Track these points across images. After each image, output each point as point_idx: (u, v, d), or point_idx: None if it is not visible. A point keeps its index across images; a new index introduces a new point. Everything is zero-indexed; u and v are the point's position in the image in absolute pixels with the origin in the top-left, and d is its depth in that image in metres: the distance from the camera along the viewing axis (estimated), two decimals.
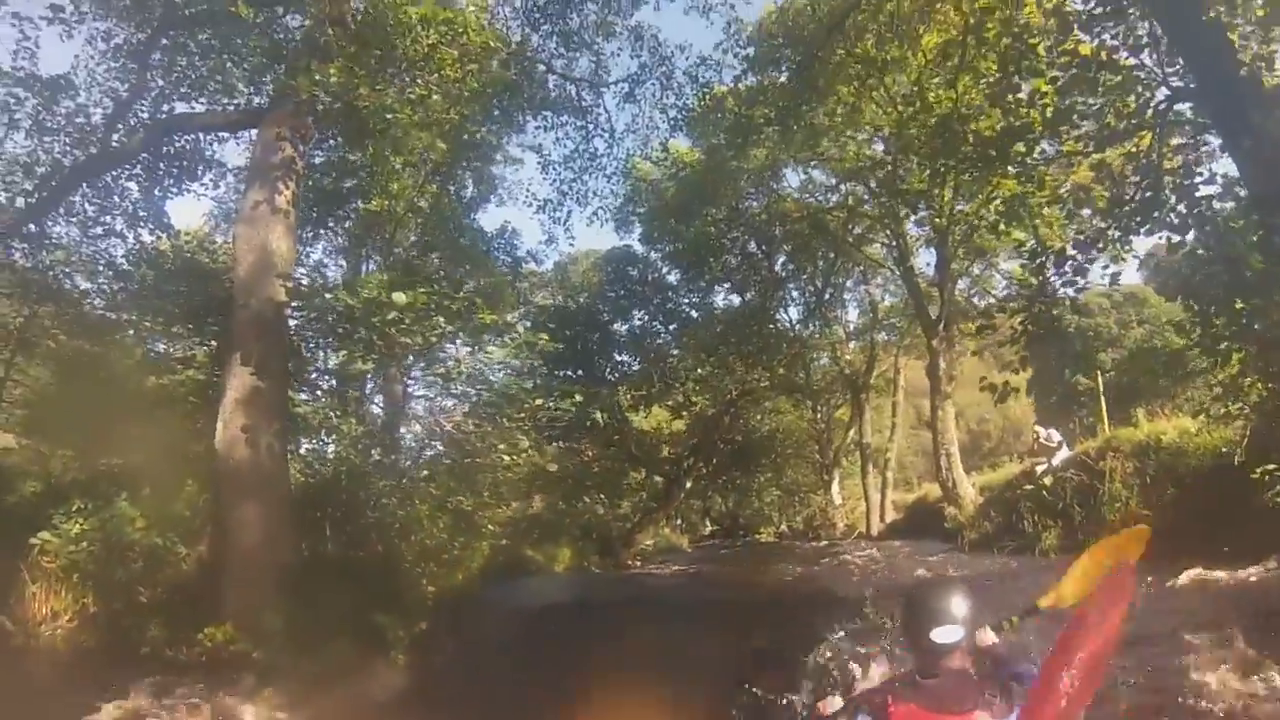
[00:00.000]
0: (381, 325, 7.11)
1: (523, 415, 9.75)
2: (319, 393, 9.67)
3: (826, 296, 23.70)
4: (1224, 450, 8.19)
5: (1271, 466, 6.56)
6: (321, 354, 8.69)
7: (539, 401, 10.56)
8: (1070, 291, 7.74)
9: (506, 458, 9.08)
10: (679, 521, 30.32)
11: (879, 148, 15.93)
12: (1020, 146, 7.55)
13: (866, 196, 18.42)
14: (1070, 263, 7.66)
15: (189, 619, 6.95)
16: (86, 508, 7.32)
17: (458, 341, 8.17)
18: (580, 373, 19.75)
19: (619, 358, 21.92)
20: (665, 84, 13.66)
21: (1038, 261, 7.46)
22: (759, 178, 19.77)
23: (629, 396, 22.36)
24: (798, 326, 23.79)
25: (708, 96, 14.20)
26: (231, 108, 9.54)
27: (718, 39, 29.60)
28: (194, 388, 8.75)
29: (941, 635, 2.08)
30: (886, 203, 17.07)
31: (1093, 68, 6.91)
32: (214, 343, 9.05)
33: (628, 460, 21.26)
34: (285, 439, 7.87)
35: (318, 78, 7.38)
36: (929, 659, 2.11)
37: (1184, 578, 7.22)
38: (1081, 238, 7.77)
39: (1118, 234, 7.23)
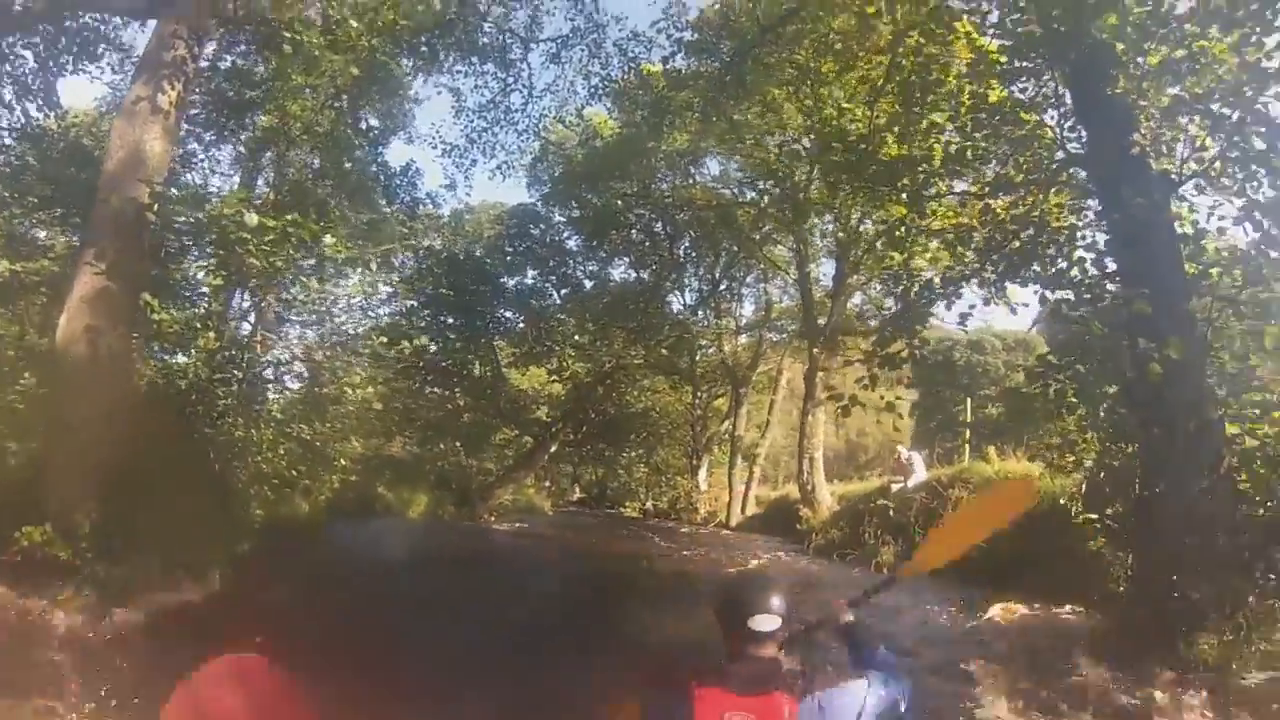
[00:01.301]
0: (231, 244, 7.09)
1: (369, 352, 9.73)
2: (183, 304, 9.45)
3: (722, 287, 24.60)
4: (1062, 499, 8.60)
5: (1094, 517, 7.10)
6: (186, 265, 8.48)
7: (394, 342, 10.53)
8: (921, 324, 8.55)
9: (350, 391, 9.12)
10: (547, 484, 30.87)
11: (798, 150, 16.45)
12: (909, 178, 7.99)
13: (774, 198, 19.04)
14: (935, 295, 8.46)
15: (11, 517, 6.87)
16: None
17: (307, 271, 8.11)
18: (460, 321, 19.74)
19: (505, 313, 22.01)
20: (594, 51, 13.87)
21: (901, 287, 8.04)
22: (675, 160, 20.20)
23: (510, 353, 22.62)
24: (688, 312, 24.59)
25: (632, 72, 14.47)
26: None
27: (655, 18, 29.68)
28: (48, 278, 8.47)
29: (760, 624, 2.13)
30: (789, 209, 17.64)
31: (998, 116, 7.43)
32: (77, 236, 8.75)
33: (497, 415, 21.44)
34: (129, 342, 7.76)
35: None
36: (742, 646, 2.14)
37: (994, 610, 7.89)
38: (951, 272, 8.57)
39: (993, 277, 8.05)
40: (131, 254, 7.51)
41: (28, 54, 9.24)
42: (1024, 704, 5.78)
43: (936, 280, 7.95)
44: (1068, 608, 7.68)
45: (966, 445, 13.82)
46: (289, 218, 7.29)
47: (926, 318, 7.89)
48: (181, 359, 8.98)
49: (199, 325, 8.98)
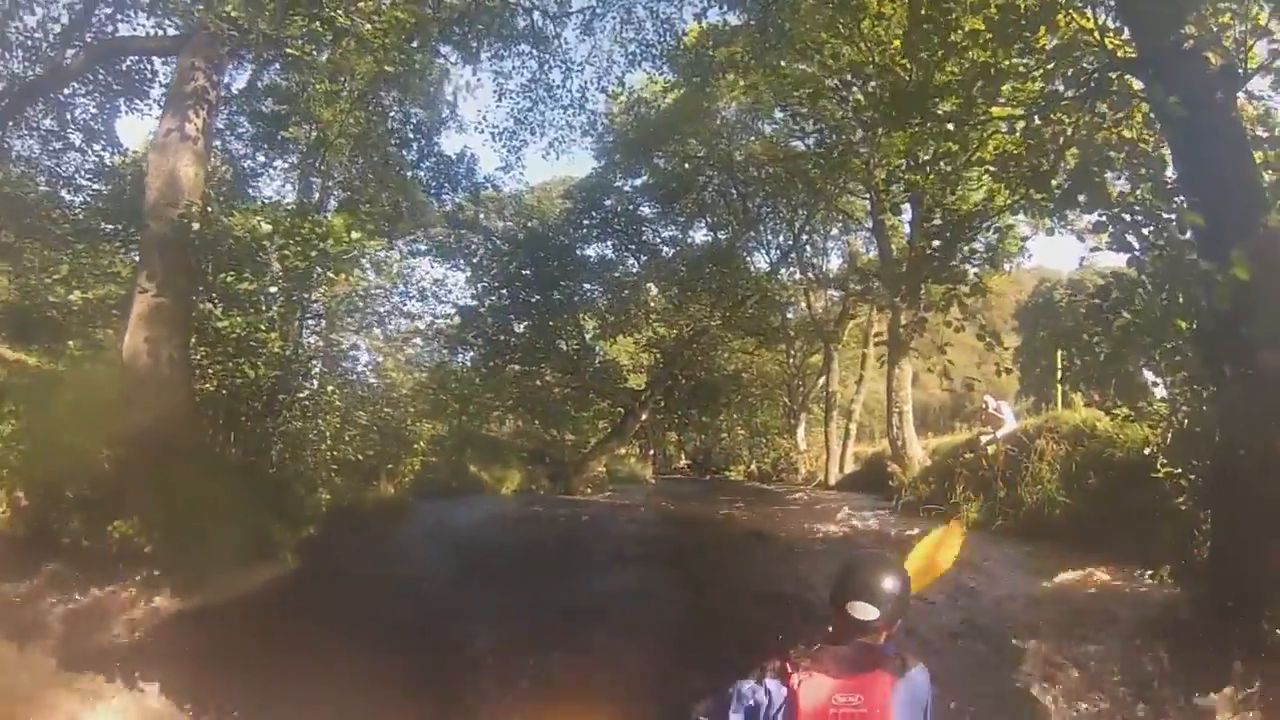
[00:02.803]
0: (250, 251, 7.50)
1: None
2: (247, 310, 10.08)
3: (803, 241, 23.70)
4: (1146, 450, 7.83)
5: (1178, 470, 6.42)
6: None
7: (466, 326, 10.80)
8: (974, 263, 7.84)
9: (396, 376, 9.50)
10: (651, 452, 31.21)
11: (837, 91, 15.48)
12: (946, 104, 7.35)
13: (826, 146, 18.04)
14: (973, 228, 7.74)
15: (104, 514, 7.71)
16: (17, 410, 8.02)
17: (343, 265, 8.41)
18: (538, 298, 20.06)
19: (585, 286, 22.06)
20: (626, 17, 13.55)
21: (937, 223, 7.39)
22: (738, 117, 19.53)
23: (594, 325, 22.78)
24: (770, 270, 23.85)
25: (669, 34, 14.06)
26: (172, 31, 9.76)
27: None
28: (119, 300, 9.30)
29: (858, 611, 2.10)
30: (825, 156, 16.58)
31: (1025, 24, 6.58)
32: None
33: (586, 388, 21.69)
34: (187, 350, 8.45)
35: (225, 9, 7.57)
36: (842, 630, 2.14)
37: (1069, 575, 7.34)
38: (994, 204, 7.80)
39: (1048, 205, 7.27)
40: (179, 271, 8.15)
41: (89, 102, 10.07)
42: (1071, 686, 5.31)
43: (976, 212, 7.21)
44: (1149, 574, 6.85)
45: (1059, 392, 12.62)
46: (289, 219, 7.58)
47: (954, 253, 7.08)
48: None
49: (263, 328, 9.60)
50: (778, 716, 2.06)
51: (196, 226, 7.92)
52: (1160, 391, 6.52)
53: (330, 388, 9.75)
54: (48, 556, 6.93)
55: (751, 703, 2.10)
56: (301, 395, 9.41)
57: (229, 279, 8.00)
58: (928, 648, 5.97)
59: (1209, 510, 6.02)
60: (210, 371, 9.00)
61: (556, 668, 5.93)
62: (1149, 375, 6.55)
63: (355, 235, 8.22)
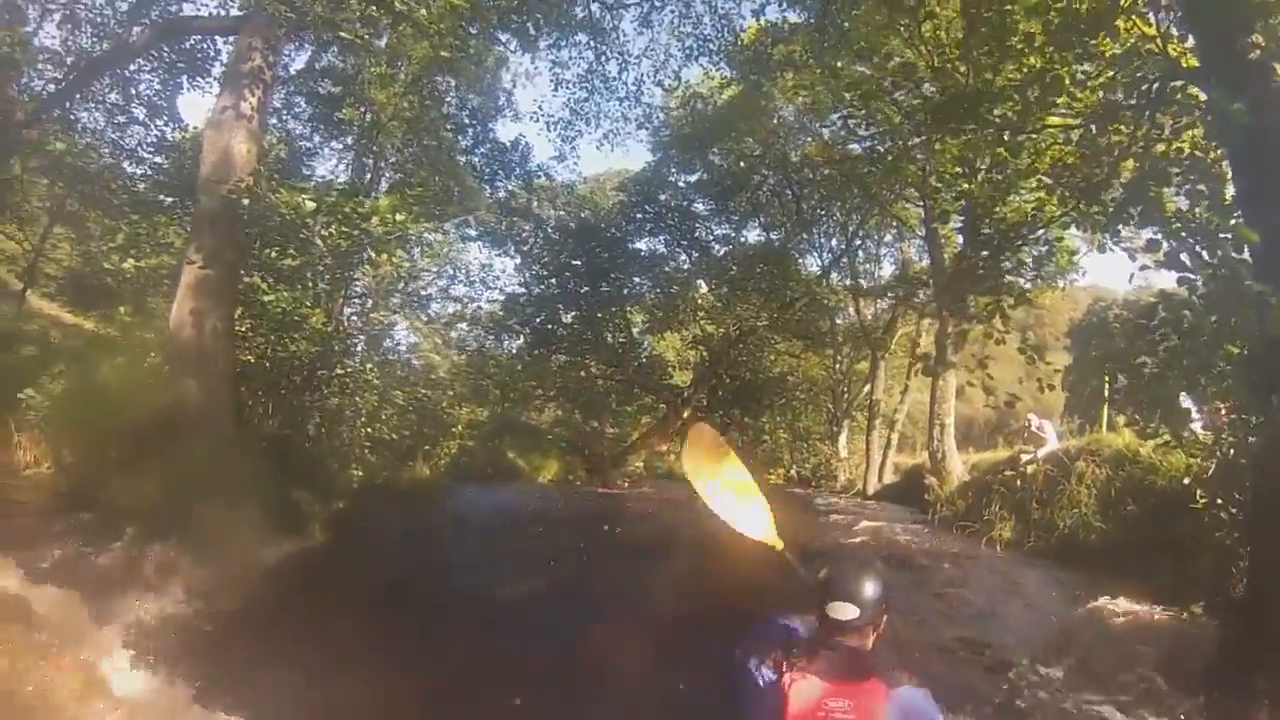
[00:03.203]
0: (295, 228, 7.73)
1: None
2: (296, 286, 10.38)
3: (856, 246, 23.20)
4: (1186, 480, 7.52)
5: (1219, 502, 6.23)
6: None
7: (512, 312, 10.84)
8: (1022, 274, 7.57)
9: (436, 358, 9.67)
10: None
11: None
12: (1001, 110, 7.20)
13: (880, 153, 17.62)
14: (1020, 240, 7.45)
15: (143, 476, 8.07)
16: (68, 371, 8.47)
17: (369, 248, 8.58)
18: (587, 289, 20.10)
19: (635, 279, 21.85)
20: (684, 11, 13.50)
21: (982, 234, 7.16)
22: (796, 117, 19.24)
23: (641, 320, 22.76)
24: (822, 274, 23.43)
25: (726, 29, 13.91)
26: (234, 11, 10.12)
27: None
28: (170, 270, 9.70)
29: (837, 611, 2.12)
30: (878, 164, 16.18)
31: (1084, 29, 6.33)
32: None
33: (630, 382, 21.64)
34: (232, 323, 8.75)
35: None
36: (826, 631, 2.15)
37: (1098, 603, 7.00)
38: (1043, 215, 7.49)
39: (1102, 219, 7.01)
40: (228, 245, 8.45)
41: (153, 78, 10.52)
42: None
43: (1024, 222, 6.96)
44: (1192, 608, 6.52)
45: (1105, 414, 12.16)
46: (335, 197, 7.77)
47: (1000, 263, 6.84)
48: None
49: (308, 304, 9.89)
50: (765, 702, 2.09)
51: (246, 202, 8.18)
52: (1201, 420, 6.23)
53: (369, 366, 9.98)
54: (86, 510, 7.27)
55: (757, 677, 2.15)
56: (340, 372, 9.64)
57: (274, 254, 8.24)
58: (947, 665, 5.85)
59: (1248, 546, 5.73)
60: (253, 344, 9.32)
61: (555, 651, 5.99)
62: (1188, 402, 6.22)
63: (400, 217, 8.38)
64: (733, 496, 2.75)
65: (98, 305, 8.91)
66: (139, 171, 10.95)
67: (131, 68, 10.38)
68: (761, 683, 2.13)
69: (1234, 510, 6.14)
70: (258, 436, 8.52)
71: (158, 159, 10.80)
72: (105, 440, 7.74)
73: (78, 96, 10.18)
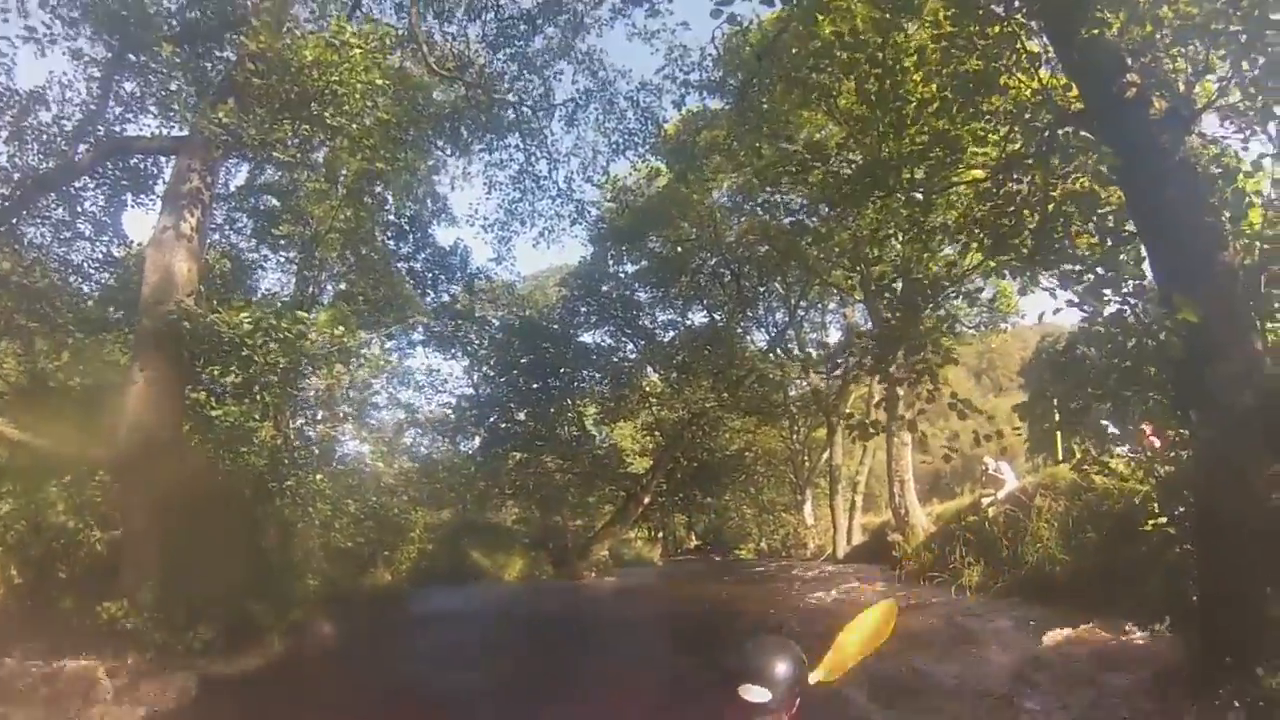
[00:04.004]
0: (237, 346, 7.78)
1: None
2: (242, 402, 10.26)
3: (799, 318, 23.95)
4: (1136, 501, 7.65)
5: (1163, 521, 6.36)
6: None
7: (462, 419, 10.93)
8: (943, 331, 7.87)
9: (381, 465, 9.59)
10: (659, 534, 30.69)
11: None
12: (907, 174, 7.60)
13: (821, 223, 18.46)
14: (937, 292, 7.73)
15: (96, 594, 7.78)
16: (15, 490, 8.19)
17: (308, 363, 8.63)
18: (537, 386, 20.23)
19: (584, 372, 22.20)
20: (607, 108, 14.24)
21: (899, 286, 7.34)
22: (728, 198, 20.10)
23: (594, 411, 22.86)
24: (769, 348, 24.04)
25: (650, 122, 14.70)
26: (174, 132, 10.37)
27: (659, 65, 29.91)
28: (116, 387, 9.51)
29: (749, 694, 2.05)
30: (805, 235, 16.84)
31: (974, 89, 6.72)
32: None
33: (586, 473, 21.67)
34: (178, 438, 8.60)
35: (218, 115, 8.07)
36: (733, 713, 2.07)
37: (1064, 632, 7.14)
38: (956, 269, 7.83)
39: (1016, 264, 7.36)
40: (171, 363, 8.40)
41: (98, 194, 10.64)
42: None
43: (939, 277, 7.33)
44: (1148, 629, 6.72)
45: (1059, 448, 12.47)
46: (271, 316, 7.86)
47: (917, 323, 7.14)
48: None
49: (256, 418, 9.75)
50: None
51: (186, 324, 8.19)
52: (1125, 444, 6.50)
53: (319, 476, 9.80)
54: (39, 632, 6.97)
55: None
56: (291, 483, 9.44)
57: (218, 372, 8.22)
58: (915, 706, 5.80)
59: (1197, 560, 5.90)
60: (202, 458, 9.11)
61: None
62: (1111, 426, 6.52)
63: (339, 331, 8.48)
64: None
65: (44, 422, 8.67)
66: (85, 288, 10.88)
67: (77, 185, 10.46)
68: None
69: (1178, 526, 6.32)
70: (211, 552, 8.23)
71: (103, 275, 10.75)
72: (54, 560, 7.46)
73: (24, 213, 10.17)
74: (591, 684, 7.00)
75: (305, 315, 8.47)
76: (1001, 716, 5.79)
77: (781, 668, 2.09)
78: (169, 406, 8.42)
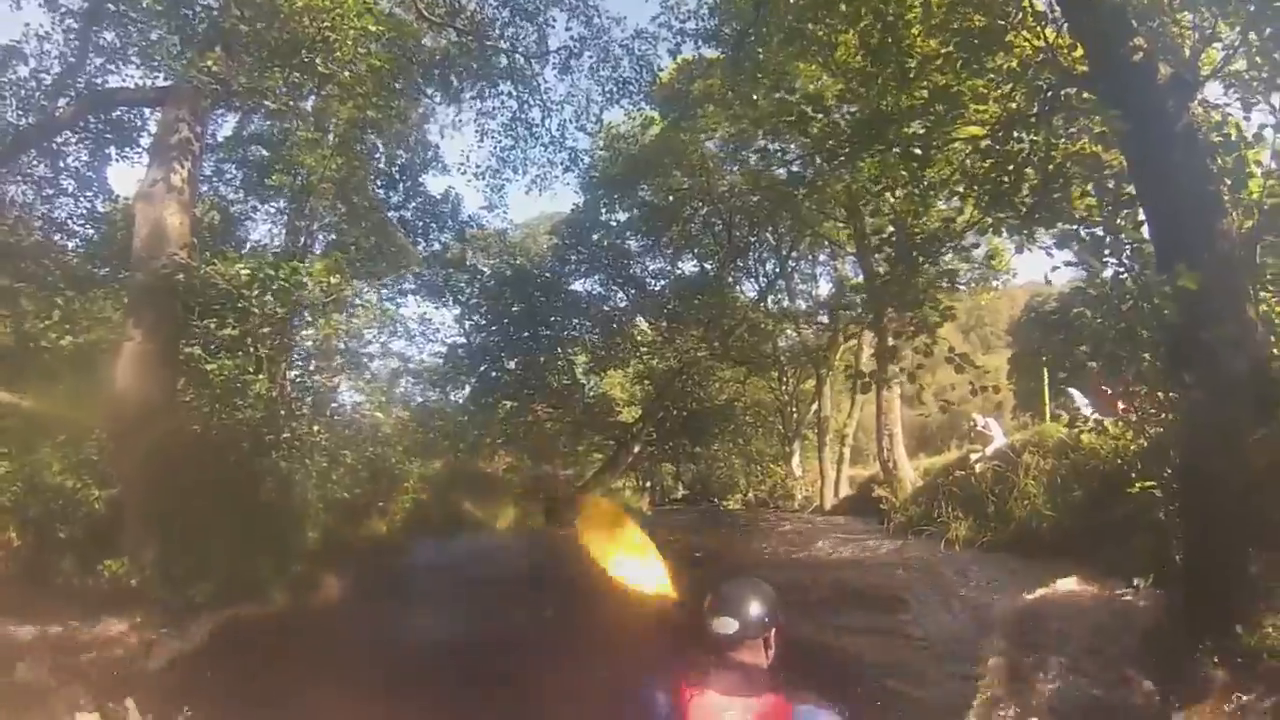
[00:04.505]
0: (233, 298, 7.69)
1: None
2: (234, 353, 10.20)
3: (791, 269, 23.91)
4: (1120, 460, 7.94)
5: (1150, 483, 6.43)
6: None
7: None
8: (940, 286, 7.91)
9: (380, 415, 9.63)
10: (647, 484, 31.10)
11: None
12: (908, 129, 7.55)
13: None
14: (935, 249, 7.76)
15: (97, 553, 7.85)
16: (10, 452, 8.16)
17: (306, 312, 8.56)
18: (528, 335, 20.20)
19: (574, 321, 22.10)
20: (602, 55, 13.94)
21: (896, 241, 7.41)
22: (720, 147, 19.88)
23: (584, 360, 22.90)
24: (759, 298, 24.07)
25: (645, 70, 14.42)
26: (158, 82, 10.02)
27: (655, 12, 29.25)
28: (109, 344, 9.43)
29: (718, 626, 2.16)
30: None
31: (979, 46, 6.68)
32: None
33: (577, 423, 21.77)
34: (174, 394, 8.58)
35: (206, 64, 7.83)
36: (710, 648, 2.18)
37: (1056, 587, 7.26)
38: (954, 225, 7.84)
39: (1015, 222, 7.38)
40: (165, 318, 8.31)
41: (80, 149, 10.35)
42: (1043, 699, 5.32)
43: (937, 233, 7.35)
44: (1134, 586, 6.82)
45: (1046, 406, 12.68)
46: (268, 266, 7.76)
47: (915, 277, 7.18)
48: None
49: (250, 371, 9.71)
50: None
51: (181, 277, 8.08)
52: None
53: (316, 428, 9.82)
54: (41, 594, 7.06)
55: (657, 709, 2.15)
56: (287, 436, 9.46)
57: (213, 325, 8.14)
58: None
59: (1181, 518, 6.09)
60: (198, 413, 9.11)
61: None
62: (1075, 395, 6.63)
63: (335, 280, 8.39)
64: (634, 560, 2.79)
65: (35, 383, 8.62)
66: (71, 245, 10.68)
67: (58, 140, 10.18)
68: (662, 713, 2.14)
69: (1165, 486, 6.50)
70: (210, 507, 8.30)
71: (89, 231, 10.56)
72: (52, 521, 7.49)
73: (4, 171, 9.92)
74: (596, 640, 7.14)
75: (301, 265, 8.36)
76: (990, 668, 5.96)
77: (750, 603, 2.20)
78: (163, 362, 8.37)
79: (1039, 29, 6.55)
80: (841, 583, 9.24)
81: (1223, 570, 5.06)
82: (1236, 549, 5.01)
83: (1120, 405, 7.72)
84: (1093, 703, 5.26)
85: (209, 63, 7.56)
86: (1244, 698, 4.61)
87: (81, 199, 10.76)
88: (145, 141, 10.35)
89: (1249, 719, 4.52)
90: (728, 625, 2.15)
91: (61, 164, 10.44)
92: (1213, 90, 6.04)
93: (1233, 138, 5.80)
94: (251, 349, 9.51)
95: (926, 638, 7.05)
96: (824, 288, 26.53)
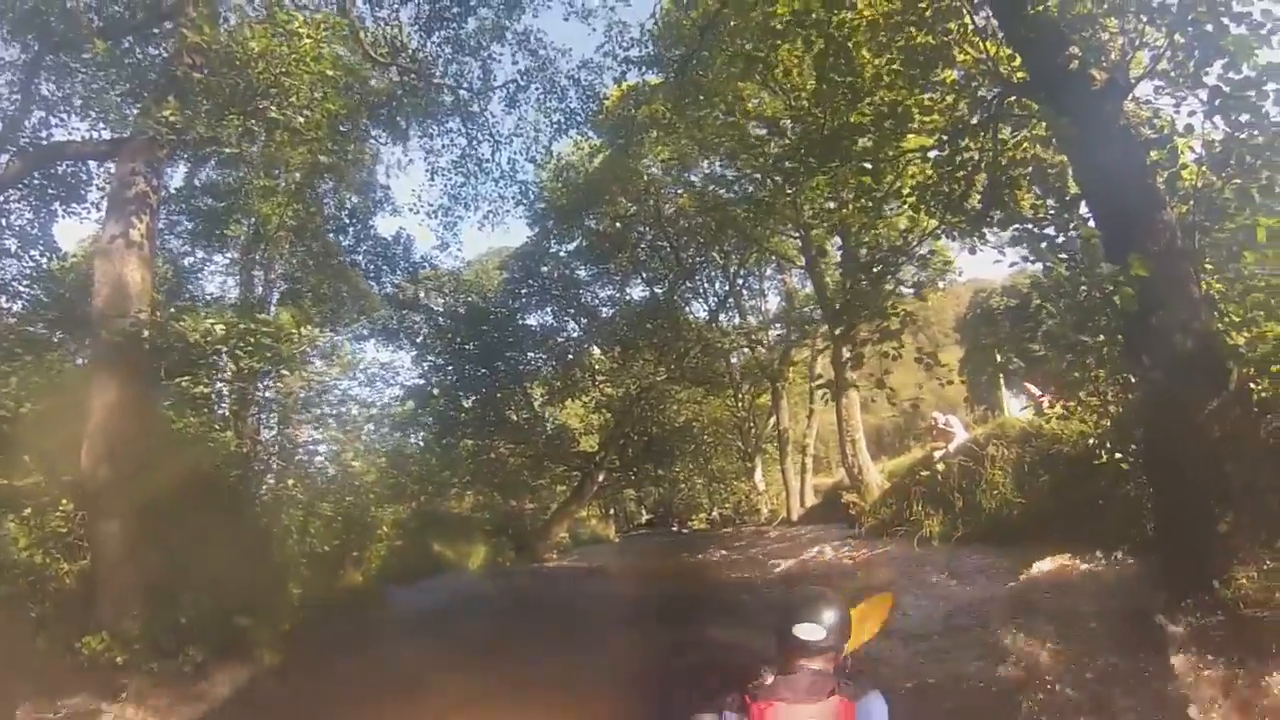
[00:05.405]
0: (206, 354, 7.53)
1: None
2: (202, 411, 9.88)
3: (740, 286, 24.37)
4: (1090, 440, 8.14)
5: (1119, 456, 6.87)
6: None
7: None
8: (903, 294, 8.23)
9: (356, 465, 9.47)
10: (611, 511, 31.02)
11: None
12: (860, 143, 7.85)
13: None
14: (895, 258, 8.10)
15: (72, 630, 7.41)
16: None
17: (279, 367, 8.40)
18: (484, 372, 20.12)
19: (530, 355, 22.23)
20: (548, 87, 14.13)
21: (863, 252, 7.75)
22: (665, 171, 20.24)
23: (541, 393, 22.88)
24: (710, 318, 24.47)
25: (591, 99, 14.65)
26: (107, 135, 9.74)
27: (599, 43, 30.00)
28: (69, 410, 9.03)
29: (804, 632, 2.19)
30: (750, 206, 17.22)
31: (924, 62, 7.18)
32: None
33: (538, 457, 21.75)
34: (145, 457, 8.21)
35: (163, 114, 7.68)
36: (790, 654, 2.20)
37: (1047, 564, 7.56)
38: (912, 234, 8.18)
39: (965, 227, 7.76)
40: (133, 377, 7.99)
41: (24, 206, 9.95)
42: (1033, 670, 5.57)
43: (898, 241, 7.73)
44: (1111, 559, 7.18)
45: (1003, 397, 13.18)
46: (241, 320, 7.63)
47: (883, 286, 7.53)
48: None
49: (218, 427, 9.44)
50: None
51: (147, 334, 7.84)
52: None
53: (291, 481, 9.58)
54: (16, 678, 6.67)
55: None
56: (262, 491, 9.21)
57: (184, 383, 7.90)
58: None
59: (1149, 491, 6.50)
60: (171, 475, 8.77)
61: None
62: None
63: (305, 331, 8.27)
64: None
65: None
66: (16, 307, 10.18)
67: (1, 198, 9.76)
68: None
69: (1131, 462, 6.91)
70: (190, 570, 7.98)
71: (35, 291, 10.07)
72: (23, 600, 7.09)
73: None
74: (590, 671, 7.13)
75: (281, 318, 8.19)
76: (984, 650, 6.18)
77: (832, 610, 2.28)
78: (131, 424, 8.00)
79: (979, 42, 7.05)
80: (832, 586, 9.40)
81: (1194, 533, 5.36)
82: (1205, 512, 5.30)
83: (1046, 402, 8.17)
84: (1087, 670, 5.47)
85: (166, 112, 7.41)
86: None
87: (24, 258, 10.30)
88: (93, 196, 10.06)
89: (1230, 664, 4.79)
90: (815, 632, 2.22)
91: (4, 222, 10.00)
92: (1143, 89, 6.54)
93: (1165, 131, 6.30)
94: (218, 405, 9.29)
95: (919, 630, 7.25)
96: (773, 301, 27.15)
